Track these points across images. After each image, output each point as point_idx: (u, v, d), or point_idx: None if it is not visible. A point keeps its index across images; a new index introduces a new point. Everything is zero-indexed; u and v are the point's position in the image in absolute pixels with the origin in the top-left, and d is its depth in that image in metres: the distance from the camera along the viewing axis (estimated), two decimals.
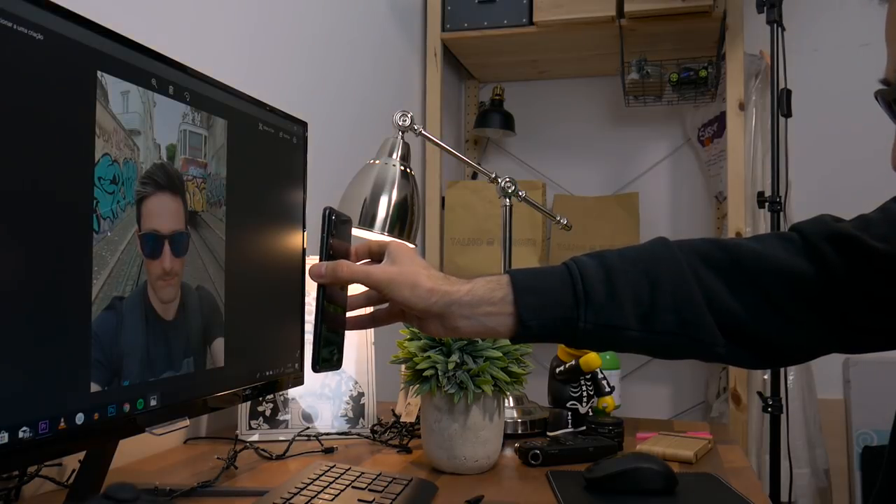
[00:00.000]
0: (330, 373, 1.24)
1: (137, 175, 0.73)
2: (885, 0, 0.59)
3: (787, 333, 0.75)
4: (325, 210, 0.74)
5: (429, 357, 0.99)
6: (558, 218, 1.48)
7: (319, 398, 1.23)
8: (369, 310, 0.82)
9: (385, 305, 0.80)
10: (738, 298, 0.74)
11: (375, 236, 1.26)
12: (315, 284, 0.74)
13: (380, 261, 0.77)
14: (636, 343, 0.74)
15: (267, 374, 0.98)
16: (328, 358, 0.74)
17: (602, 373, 1.29)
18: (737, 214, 2.03)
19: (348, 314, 0.79)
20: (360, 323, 0.82)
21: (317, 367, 0.72)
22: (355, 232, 1.27)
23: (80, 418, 0.65)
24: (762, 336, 0.75)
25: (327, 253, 0.73)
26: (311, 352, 0.72)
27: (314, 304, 0.73)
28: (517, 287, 0.73)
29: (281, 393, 1.19)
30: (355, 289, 0.77)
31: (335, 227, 0.74)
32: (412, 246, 1.28)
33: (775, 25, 1.85)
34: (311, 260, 1.21)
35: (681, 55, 2.31)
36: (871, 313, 0.74)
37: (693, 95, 2.32)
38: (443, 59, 2.29)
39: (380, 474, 0.90)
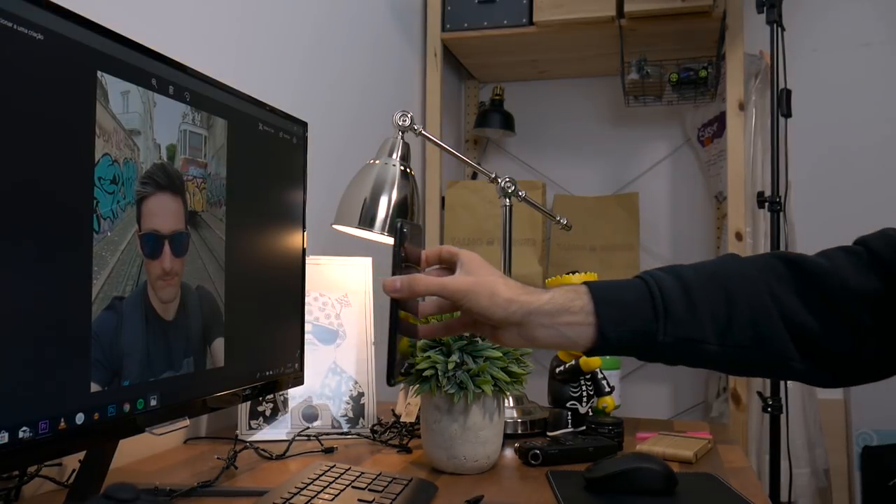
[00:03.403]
0: (330, 373, 1.24)
1: (137, 175, 0.73)
2: None
3: (863, 350, 0.73)
4: (397, 223, 0.72)
5: (429, 357, 0.99)
6: (558, 218, 1.48)
7: (319, 398, 1.23)
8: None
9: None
10: (811, 313, 0.72)
11: (375, 236, 1.26)
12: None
13: (450, 268, 0.76)
14: (713, 357, 0.73)
15: (267, 374, 0.98)
16: (406, 370, 0.73)
17: (602, 373, 1.29)
18: (737, 214, 2.03)
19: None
20: (433, 332, 0.80)
21: (392, 381, 0.71)
22: (355, 232, 1.27)
23: (80, 418, 0.66)
24: (837, 352, 0.73)
25: (400, 266, 0.71)
26: (386, 365, 0.69)
27: (388, 314, 0.71)
28: (596, 298, 0.72)
29: (281, 393, 1.19)
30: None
31: (407, 239, 0.73)
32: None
33: (775, 25, 1.85)
34: (312, 260, 1.21)
35: (681, 55, 2.31)
36: None
37: (693, 95, 2.32)
38: (443, 59, 2.29)
39: (380, 474, 0.90)
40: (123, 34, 0.71)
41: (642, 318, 0.72)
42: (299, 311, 1.08)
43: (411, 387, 1.03)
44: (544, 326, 0.71)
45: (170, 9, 1.19)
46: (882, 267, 0.72)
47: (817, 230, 2.47)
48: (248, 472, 1.01)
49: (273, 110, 1.00)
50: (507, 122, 2.55)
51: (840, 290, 0.72)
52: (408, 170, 1.26)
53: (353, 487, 0.85)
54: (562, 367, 1.29)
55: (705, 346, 0.72)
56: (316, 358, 1.23)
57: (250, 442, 1.13)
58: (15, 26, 0.58)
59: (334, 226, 1.28)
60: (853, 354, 0.73)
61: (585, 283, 0.74)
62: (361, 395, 1.25)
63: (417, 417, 1.21)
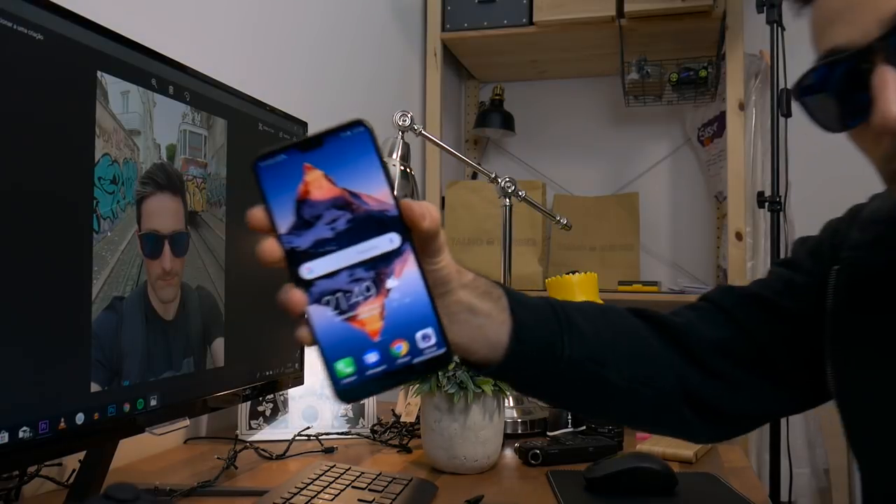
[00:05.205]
0: None
1: (137, 175, 0.73)
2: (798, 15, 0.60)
3: (730, 397, 0.73)
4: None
5: None
6: (558, 218, 1.48)
7: (319, 398, 1.23)
8: None
9: None
10: (675, 362, 0.72)
11: None
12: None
13: None
14: (613, 387, 0.68)
15: (267, 374, 0.98)
16: None
17: None
18: (737, 214, 2.03)
19: None
20: None
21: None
22: None
23: (80, 418, 0.65)
24: (708, 401, 0.73)
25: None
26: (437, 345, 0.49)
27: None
28: (511, 296, 0.63)
29: (281, 393, 1.19)
30: None
31: None
32: None
33: (775, 25, 1.85)
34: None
35: (681, 55, 2.31)
36: (795, 367, 0.73)
37: (693, 95, 2.32)
38: (443, 59, 2.29)
39: (380, 474, 0.90)
40: (123, 34, 0.71)
41: (549, 327, 0.65)
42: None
43: (411, 387, 1.03)
44: (470, 312, 0.58)
45: (171, 9, 1.19)
46: (724, 314, 0.76)
47: (817, 230, 2.48)
48: (248, 472, 1.01)
49: (273, 110, 1.00)
50: (507, 122, 2.55)
51: (695, 342, 0.73)
52: (408, 170, 1.26)
53: (353, 487, 0.85)
54: None
55: (607, 371, 0.67)
56: (316, 358, 1.23)
57: (250, 442, 1.13)
58: (15, 26, 0.58)
59: None
60: (721, 401, 0.73)
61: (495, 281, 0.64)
62: None
63: (417, 417, 1.21)
